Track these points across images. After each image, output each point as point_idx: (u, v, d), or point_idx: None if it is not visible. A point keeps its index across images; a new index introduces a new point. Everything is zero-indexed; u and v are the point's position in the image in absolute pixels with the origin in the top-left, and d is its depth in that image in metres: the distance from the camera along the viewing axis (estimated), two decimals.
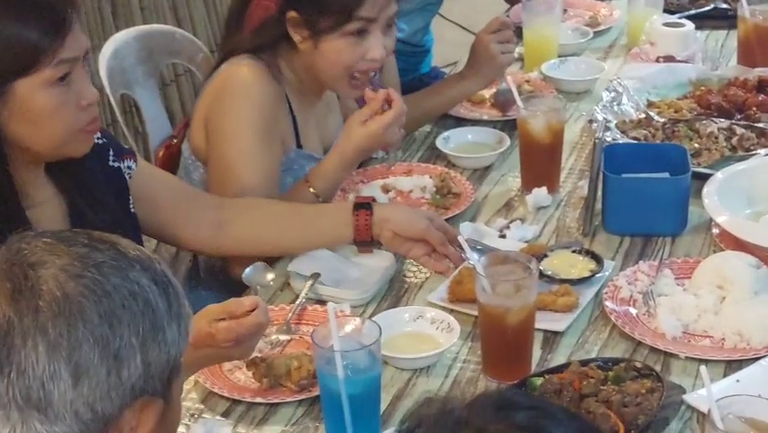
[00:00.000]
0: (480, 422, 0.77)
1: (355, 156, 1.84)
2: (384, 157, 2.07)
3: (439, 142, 2.08)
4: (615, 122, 2.08)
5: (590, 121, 2.12)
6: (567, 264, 1.67)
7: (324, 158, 1.86)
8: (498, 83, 2.22)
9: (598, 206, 1.82)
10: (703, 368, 1.27)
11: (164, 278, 0.97)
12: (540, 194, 1.89)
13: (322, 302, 1.64)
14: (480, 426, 0.76)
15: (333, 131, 2.01)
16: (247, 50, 1.86)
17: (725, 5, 2.59)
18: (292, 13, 1.82)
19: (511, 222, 1.84)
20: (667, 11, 2.50)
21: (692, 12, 2.55)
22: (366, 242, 1.71)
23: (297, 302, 1.63)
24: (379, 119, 1.80)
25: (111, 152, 1.62)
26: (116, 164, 1.63)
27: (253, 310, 1.40)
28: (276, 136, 1.86)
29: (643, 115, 2.11)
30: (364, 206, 1.72)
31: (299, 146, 1.92)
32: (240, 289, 1.70)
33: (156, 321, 0.94)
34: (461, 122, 2.19)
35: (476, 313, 1.52)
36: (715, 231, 1.77)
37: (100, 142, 1.58)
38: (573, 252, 1.70)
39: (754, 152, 1.95)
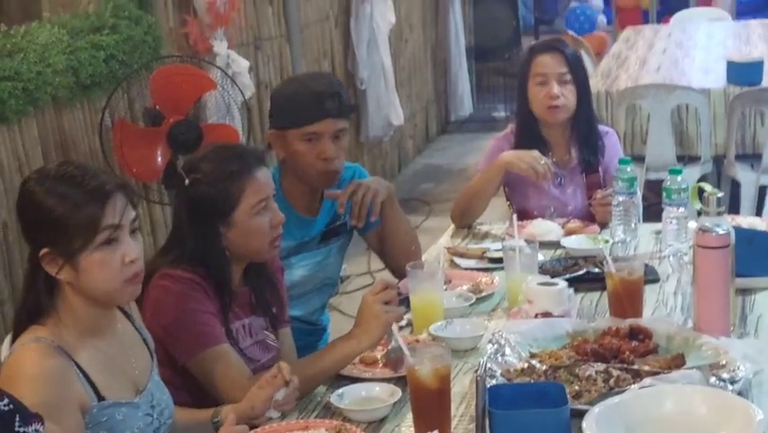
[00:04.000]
0: None
1: None
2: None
3: (333, 399, 2.17)
4: (499, 371, 2.20)
5: (477, 372, 2.23)
6: None
7: None
8: (388, 344, 2.35)
9: None
10: None
11: None
12: None
13: None
14: None
15: (143, 364, 2.04)
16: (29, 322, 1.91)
17: (596, 269, 2.80)
18: (43, 252, 1.88)
19: None
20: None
21: (567, 276, 2.75)
22: None
23: None
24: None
25: (17, 418, 1.66)
26: (22, 429, 1.67)
27: None
28: (69, 410, 1.86)
29: (525, 364, 2.24)
30: None
31: (101, 398, 1.93)
32: None
33: None
34: (354, 381, 2.28)
35: None
36: None
37: (5, 408, 1.62)
38: None
39: (626, 388, 2.07)
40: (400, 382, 2.22)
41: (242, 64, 4.56)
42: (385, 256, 3.07)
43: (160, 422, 1.99)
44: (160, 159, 3.72)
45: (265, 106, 5.06)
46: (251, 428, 2.02)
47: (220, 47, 4.47)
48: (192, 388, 2.28)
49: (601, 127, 3.49)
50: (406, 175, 7.53)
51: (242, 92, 4.24)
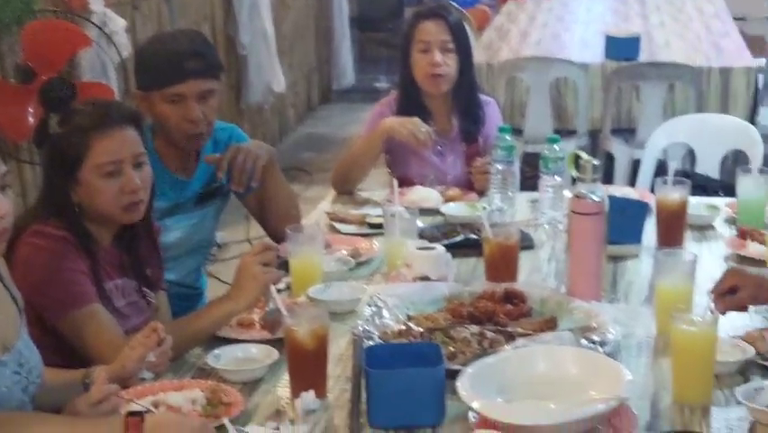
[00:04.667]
0: None
1: None
2: None
3: (210, 360, 2.14)
4: (377, 333, 2.21)
5: (354, 334, 2.24)
6: None
7: None
8: (266, 306, 2.33)
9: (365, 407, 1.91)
10: None
11: None
12: (308, 398, 1.96)
13: None
14: None
15: (11, 321, 2.00)
16: None
17: (474, 236, 2.83)
18: None
19: (281, 424, 1.90)
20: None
21: (445, 242, 2.77)
22: None
23: None
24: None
25: None
26: None
27: None
28: None
29: (403, 327, 2.25)
30: (135, 414, 1.75)
31: None
32: None
33: None
34: (231, 343, 2.26)
35: None
36: (472, 419, 1.89)
37: None
38: None
39: (499, 349, 2.10)
40: (277, 343, 2.20)
41: (118, 23, 4.44)
42: (264, 221, 3.04)
43: (29, 381, 1.93)
44: (31, 117, 3.61)
45: None
46: (123, 388, 1.98)
47: (96, 4, 4.34)
48: (63, 348, 2.23)
49: (482, 97, 3.52)
50: (287, 144, 7.48)
51: (118, 51, 4.14)
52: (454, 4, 7.95)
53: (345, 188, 3.38)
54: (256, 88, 6.49)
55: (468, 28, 4.21)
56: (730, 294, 2.18)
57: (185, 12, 5.64)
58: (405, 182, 3.31)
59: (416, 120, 3.25)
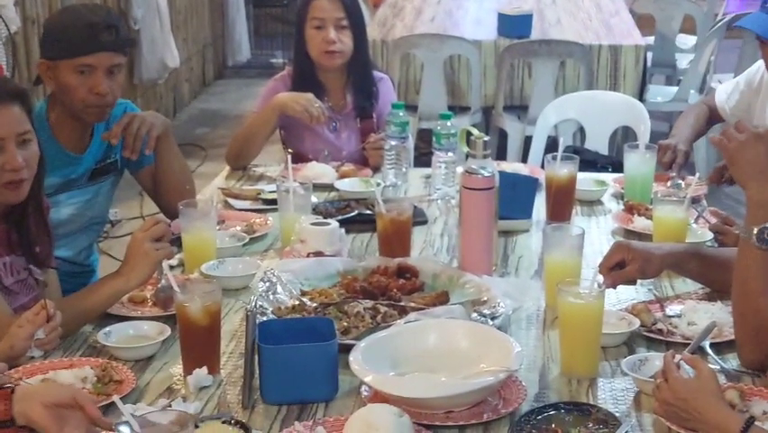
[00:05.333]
0: None
1: None
2: None
3: (100, 337, 2.12)
4: (270, 309, 2.21)
5: (248, 309, 2.23)
6: None
7: None
8: (158, 283, 2.32)
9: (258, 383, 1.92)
10: None
11: None
12: (200, 374, 1.96)
13: None
14: None
15: None
16: None
17: (368, 211, 2.85)
18: None
19: (172, 401, 1.89)
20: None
21: (339, 217, 2.78)
22: (6, 422, 1.68)
23: None
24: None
25: None
26: None
27: None
28: None
29: (297, 302, 2.25)
30: (3, 387, 1.72)
31: None
32: None
33: None
34: (123, 320, 2.24)
35: None
36: (364, 393, 1.91)
37: None
38: (223, 423, 1.77)
39: (392, 323, 2.13)
40: (170, 320, 2.19)
41: None
42: (158, 196, 3.01)
43: None
44: None
45: (32, 42, 4.84)
46: (12, 367, 1.95)
47: None
48: None
49: (376, 73, 3.54)
50: (182, 119, 7.39)
51: (6, 26, 4.03)
52: None
53: (239, 164, 3.37)
54: (150, 64, 6.39)
55: (362, 4, 4.21)
56: (618, 268, 2.24)
57: None
58: (300, 158, 3.31)
59: (310, 96, 3.25)
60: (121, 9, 6.20)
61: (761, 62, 3.07)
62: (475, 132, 2.51)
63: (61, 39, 2.70)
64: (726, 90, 3.33)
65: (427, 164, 3.19)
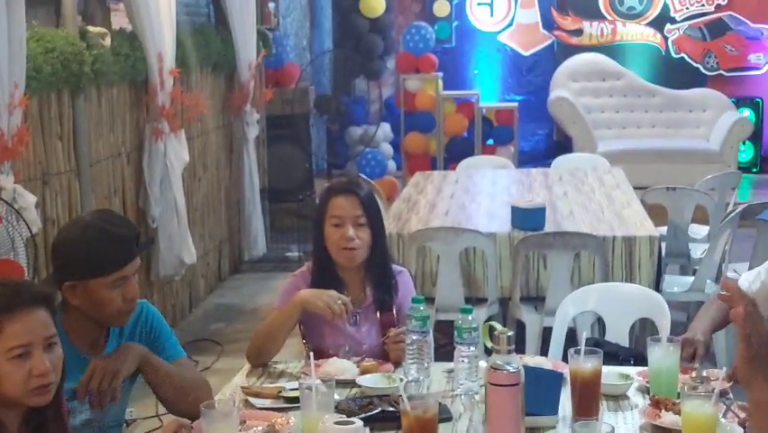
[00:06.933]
0: None
1: None
2: None
3: None
4: None
5: None
6: None
7: None
8: None
9: None
10: None
11: None
12: None
13: None
14: None
15: None
16: None
17: (391, 408, 2.81)
18: None
19: None
20: None
21: (363, 415, 2.74)
22: None
23: None
24: None
25: None
26: None
27: None
28: None
29: None
30: None
31: None
32: None
33: None
34: None
35: None
36: None
37: None
38: None
39: None
40: None
41: (28, 199, 4.42)
42: (165, 405, 2.99)
43: None
44: None
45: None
46: None
47: (6, 181, 4.32)
48: None
49: (395, 267, 3.57)
50: (198, 315, 7.41)
51: (28, 227, 4.10)
52: (363, 176, 8.16)
53: (260, 361, 3.35)
54: (167, 261, 6.45)
55: (378, 199, 4.29)
56: None
57: (96, 186, 5.64)
58: (319, 353, 3.30)
59: (333, 292, 3.27)
60: (139, 208, 6.32)
61: None
62: (499, 327, 2.51)
63: (91, 259, 2.72)
64: (748, 279, 3.34)
65: (446, 357, 3.17)
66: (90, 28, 5.65)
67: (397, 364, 3.25)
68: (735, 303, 2.10)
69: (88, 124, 5.53)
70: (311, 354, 2.93)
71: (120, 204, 6.07)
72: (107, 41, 5.70)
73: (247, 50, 8.10)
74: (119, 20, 6.36)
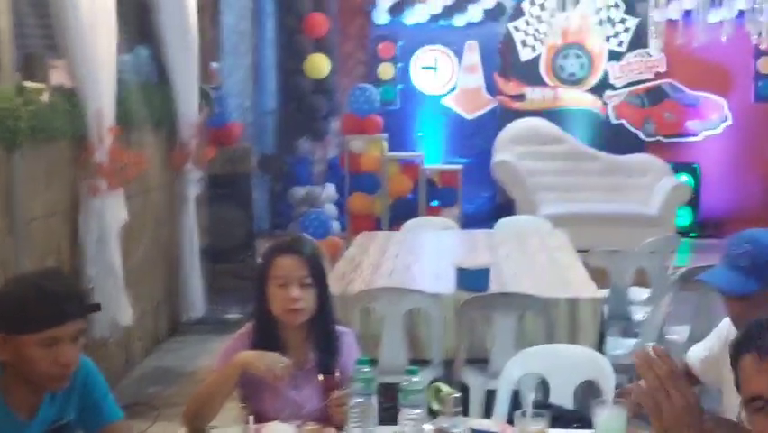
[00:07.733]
0: None
1: None
2: None
3: None
4: None
5: None
6: None
7: None
8: None
9: None
10: None
11: None
12: None
13: None
14: None
15: None
16: None
17: None
18: None
19: None
20: None
21: None
22: None
23: None
24: None
25: None
26: None
27: None
28: None
29: None
30: None
31: None
32: None
33: None
34: None
35: None
36: None
37: None
38: None
39: None
40: None
41: None
42: None
43: None
44: None
45: None
46: None
47: None
48: None
49: (339, 328, 3.49)
50: (133, 378, 7.23)
51: None
52: (307, 236, 8.08)
53: (197, 425, 3.24)
54: (101, 322, 6.29)
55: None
56: None
57: (30, 245, 5.50)
58: (259, 416, 3.19)
59: (275, 355, 3.19)
60: (75, 268, 6.17)
61: (727, 319, 3.08)
62: (446, 388, 2.45)
63: (22, 313, 2.61)
64: (697, 350, 3.36)
65: (389, 420, 3.09)
66: (28, 84, 5.55)
67: (340, 428, 3.16)
68: (643, 373, 2.07)
69: (24, 180, 5.40)
70: (250, 418, 2.83)
71: (54, 263, 5.92)
72: (45, 97, 5.60)
73: (189, 109, 8.04)
74: (58, 76, 6.26)
